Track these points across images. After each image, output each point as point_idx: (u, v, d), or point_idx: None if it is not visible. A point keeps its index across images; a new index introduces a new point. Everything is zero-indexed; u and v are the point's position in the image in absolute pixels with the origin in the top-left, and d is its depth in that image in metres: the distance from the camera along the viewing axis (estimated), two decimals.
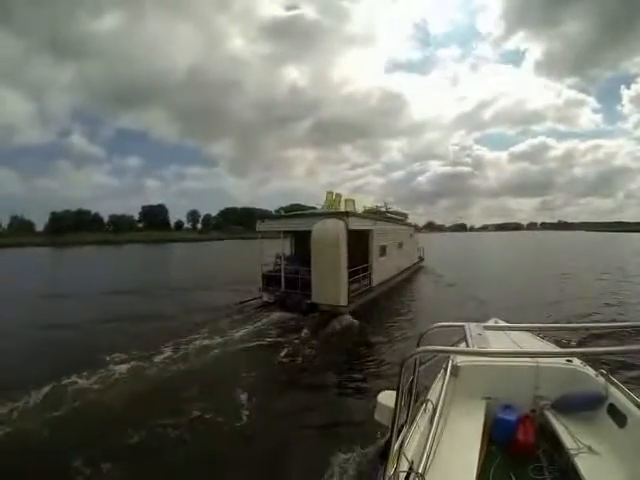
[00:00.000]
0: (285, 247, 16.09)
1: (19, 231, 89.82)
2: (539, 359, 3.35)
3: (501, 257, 42.32)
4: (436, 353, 3.03)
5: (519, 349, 3.61)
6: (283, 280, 13.34)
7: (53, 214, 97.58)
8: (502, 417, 3.08)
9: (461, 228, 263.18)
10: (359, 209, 17.79)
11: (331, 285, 11.25)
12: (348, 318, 10.92)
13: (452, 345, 3.11)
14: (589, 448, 2.65)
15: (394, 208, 24.38)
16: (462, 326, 2.58)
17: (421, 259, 27.99)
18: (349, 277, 11.74)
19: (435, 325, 2.77)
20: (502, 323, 4.68)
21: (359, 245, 13.88)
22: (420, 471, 2.06)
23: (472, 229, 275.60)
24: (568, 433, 2.83)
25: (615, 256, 36.31)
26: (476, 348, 2.30)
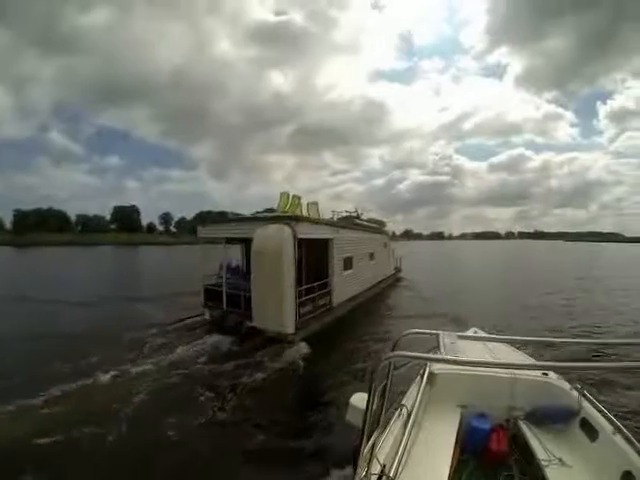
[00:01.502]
0: (237, 257, 14.10)
1: None
2: (515, 371, 3.34)
3: (482, 267, 40.89)
4: (409, 359, 2.66)
5: (494, 360, 3.61)
6: (225, 296, 11.21)
7: (16, 212, 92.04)
8: (476, 426, 3.10)
9: (439, 236, 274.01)
10: (328, 216, 15.94)
11: (274, 307, 9.14)
12: (296, 350, 8.81)
13: (426, 353, 2.74)
14: (560, 460, 2.69)
15: (372, 215, 22.59)
16: (436, 334, 2.55)
17: (398, 270, 26.07)
18: (301, 296, 9.73)
19: (409, 331, 2.69)
20: (482, 333, 4.65)
21: (316, 257, 11.97)
22: (391, 475, 2.14)
23: (450, 237, 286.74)
24: (540, 444, 2.85)
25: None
26: (449, 356, 2.25)
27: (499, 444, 2.97)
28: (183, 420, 5.70)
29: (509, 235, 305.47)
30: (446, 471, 2.50)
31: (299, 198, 13.16)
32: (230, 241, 12.46)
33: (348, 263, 13.57)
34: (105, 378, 7.28)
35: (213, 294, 11.82)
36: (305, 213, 13.34)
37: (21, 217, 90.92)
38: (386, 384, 2.48)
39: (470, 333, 4.42)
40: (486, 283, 24.77)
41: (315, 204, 14.31)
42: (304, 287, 10.26)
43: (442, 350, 2.31)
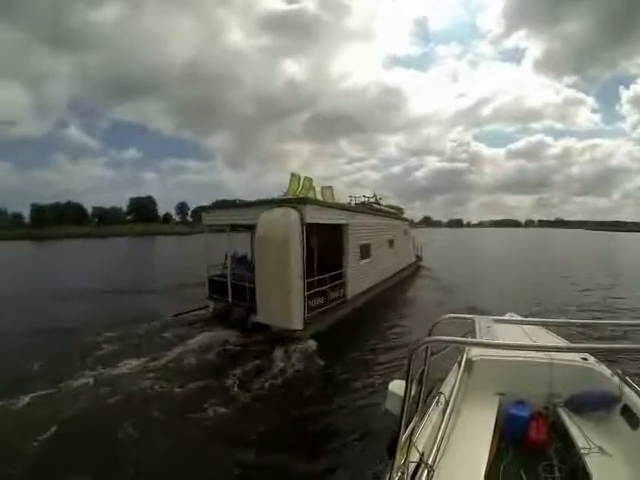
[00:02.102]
0: (245, 245, 13.19)
1: None
2: (554, 356, 3.23)
3: (504, 256, 38.25)
4: (446, 343, 2.81)
5: (531, 343, 3.59)
6: (230, 288, 10.36)
7: (33, 206, 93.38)
8: (515, 413, 3.01)
9: (457, 224, 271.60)
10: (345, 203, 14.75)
11: (279, 300, 8.19)
12: (305, 348, 7.89)
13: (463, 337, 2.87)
14: (600, 449, 2.59)
15: (390, 203, 21.32)
16: (472, 318, 2.61)
17: (419, 258, 24.57)
18: (311, 288, 8.77)
19: (446, 316, 2.60)
20: (517, 317, 4.27)
21: (329, 245, 10.96)
22: (430, 462, 2.10)
23: (469, 225, 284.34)
24: (580, 432, 2.76)
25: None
26: (486, 340, 2.27)
27: (538, 432, 2.89)
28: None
29: (529, 223, 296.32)
30: (485, 460, 2.45)
31: (311, 180, 11.94)
32: (235, 228, 11.56)
33: (365, 251, 12.48)
34: (78, 383, 6.49)
35: (218, 286, 11.05)
36: (319, 198, 12.33)
37: (38, 211, 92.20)
38: (423, 370, 2.40)
39: (506, 317, 4.08)
40: (511, 274, 22.49)
41: (330, 188, 13.20)
42: (315, 278, 9.30)
43: (478, 334, 2.26)
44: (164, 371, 7.05)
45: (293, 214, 8.01)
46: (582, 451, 2.58)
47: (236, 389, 6.28)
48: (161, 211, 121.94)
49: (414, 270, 21.84)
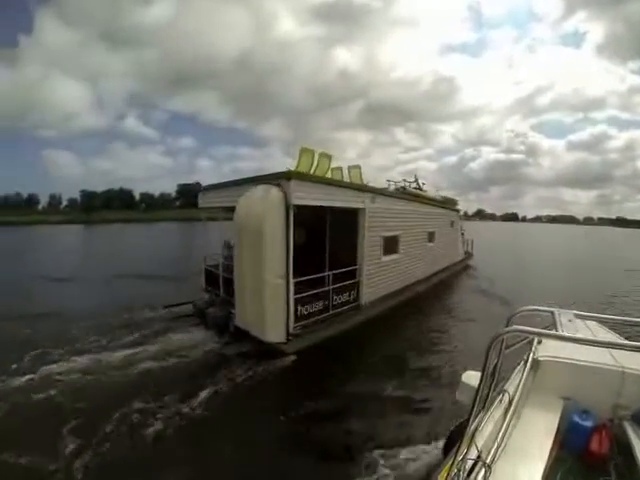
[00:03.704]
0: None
1: (50, 208, 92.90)
2: (626, 365, 2.96)
3: (569, 256, 32.22)
4: (526, 334, 2.63)
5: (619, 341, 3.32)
6: (221, 280, 9.06)
7: (83, 192, 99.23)
8: (578, 422, 2.82)
9: (512, 218, 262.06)
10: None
11: (253, 303, 6.60)
12: (269, 371, 6.26)
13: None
14: None
15: (445, 194, 18.72)
16: (551, 312, 2.45)
17: (468, 255, 21.30)
18: (307, 287, 7.14)
19: (524, 308, 2.63)
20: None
21: (346, 236, 9.04)
22: (488, 461, 2.04)
23: (524, 219, 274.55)
24: None
25: None
26: (568, 334, 2.12)
27: (600, 445, 2.64)
28: None
29: (587, 220, 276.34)
30: (542, 466, 2.31)
31: (330, 158, 9.77)
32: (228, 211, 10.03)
33: (391, 245, 10.33)
34: None
35: (212, 277, 9.80)
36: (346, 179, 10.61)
37: (86, 197, 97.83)
38: (497, 364, 2.33)
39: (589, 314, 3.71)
40: (585, 280, 18.29)
41: (358, 167, 11.22)
42: (312, 277, 7.54)
43: (559, 329, 2.23)
44: (85, 380, 6.00)
45: (273, 193, 6.24)
46: None
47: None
48: None
49: (461, 269, 18.91)
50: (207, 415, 5.10)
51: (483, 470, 2.02)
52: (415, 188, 15.78)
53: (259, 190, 6.58)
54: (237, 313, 7.15)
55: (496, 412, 2.65)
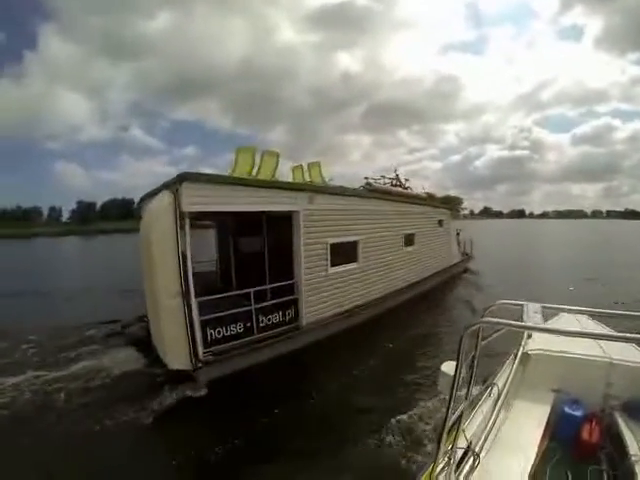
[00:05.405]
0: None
1: (50, 220, 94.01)
2: (614, 356, 3.14)
3: (582, 256, 27.10)
4: (499, 326, 2.56)
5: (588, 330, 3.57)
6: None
7: (79, 202, 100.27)
8: (568, 412, 2.95)
9: (519, 214, 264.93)
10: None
11: (156, 323, 5.94)
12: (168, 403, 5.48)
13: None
14: None
15: (451, 193, 17.47)
16: (521, 305, 2.48)
17: (466, 257, 19.27)
18: (210, 310, 6.11)
19: (498, 302, 2.66)
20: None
21: (284, 242, 7.91)
22: (477, 451, 2.14)
23: (531, 215, 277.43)
24: (635, 439, 2.65)
25: None
26: (542, 325, 2.23)
27: (591, 435, 2.78)
28: None
29: (596, 214, 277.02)
30: (532, 456, 2.45)
31: (277, 156, 8.68)
32: None
33: (344, 252, 8.86)
34: None
35: None
36: (306, 178, 10.03)
37: (84, 208, 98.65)
38: (474, 354, 2.36)
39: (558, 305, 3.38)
40: (605, 286, 14.88)
41: (317, 164, 10.43)
42: (226, 294, 6.71)
43: (525, 321, 2.28)
44: None
45: (164, 199, 5.50)
46: (633, 458, 2.46)
47: None
48: None
49: (457, 274, 17.03)
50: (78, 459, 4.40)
51: (472, 459, 2.10)
52: (395, 185, 14.39)
53: (157, 197, 5.87)
54: (152, 333, 6.50)
55: (485, 404, 2.78)
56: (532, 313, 2.34)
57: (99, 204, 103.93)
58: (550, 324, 3.57)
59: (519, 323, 2.36)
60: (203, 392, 5.74)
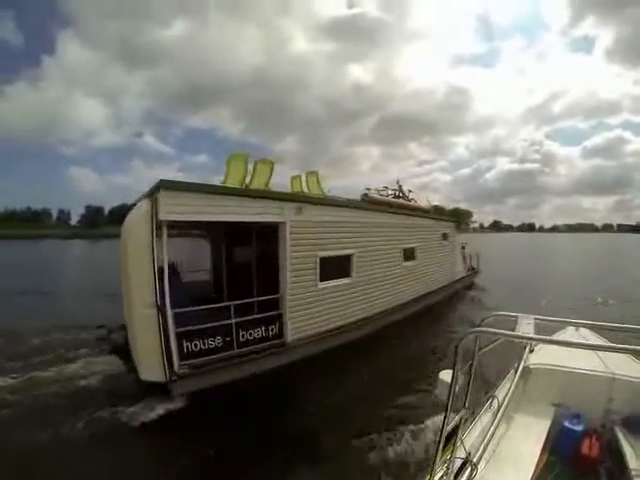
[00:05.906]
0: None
1: (59, 223, 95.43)
2: (616, 371, 3.11)
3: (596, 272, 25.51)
4: (494, 335, 2.49)
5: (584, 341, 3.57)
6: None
7: (88, 207, 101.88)
8: (569, 427, 2.93)
9: (530, 228, 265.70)
10: None
11: (131, 332, 5.93)
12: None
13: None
14: None
15: (461, 206, 17.11)
16: (516, 317, 2.52)
17: (473, 272, 18.67)
18: (188, 322, 5.88)
19: (493, 314, 2.72)
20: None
21: (272, 254, 7.58)
22: (475, 461, 2.13)
23: (541, 229, 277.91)
24: (635, 454, 2.64)
25: None
26: (538, 335, 2.23)
27: (591, 449, 2.76)
28: None
29: (607, 227, 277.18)
30: (531, 469, 2.43)
31: (271, 164, 8.49)
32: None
33: (336, 266, 8.42)
34: None
35: None
36: (304, 188, 9.76)
37: (93, 212, 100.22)
38: (472, 363, 2.30)
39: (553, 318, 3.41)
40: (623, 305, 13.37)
41: (315, 173, 10.13)
42: (211, 306, 6.48)
43: (518, 330, 2.29)
44: None
45: (142, 208, 5.46)
46: (633, 473, 2.46)
47: None
48: None
49: (462, 289, 16.28)
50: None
51: (470, 469, 2.08)
52: (397, 196, 13.71)
53: (136, 205, 5.83)
54: (129, 342, 6.40)
55: (485, 416, 2.76)
56: (525, 324, 2.40)
57: (109, 209, 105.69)
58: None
59: (513, 333, 2.38)
60: (180, 405, 5.58)
